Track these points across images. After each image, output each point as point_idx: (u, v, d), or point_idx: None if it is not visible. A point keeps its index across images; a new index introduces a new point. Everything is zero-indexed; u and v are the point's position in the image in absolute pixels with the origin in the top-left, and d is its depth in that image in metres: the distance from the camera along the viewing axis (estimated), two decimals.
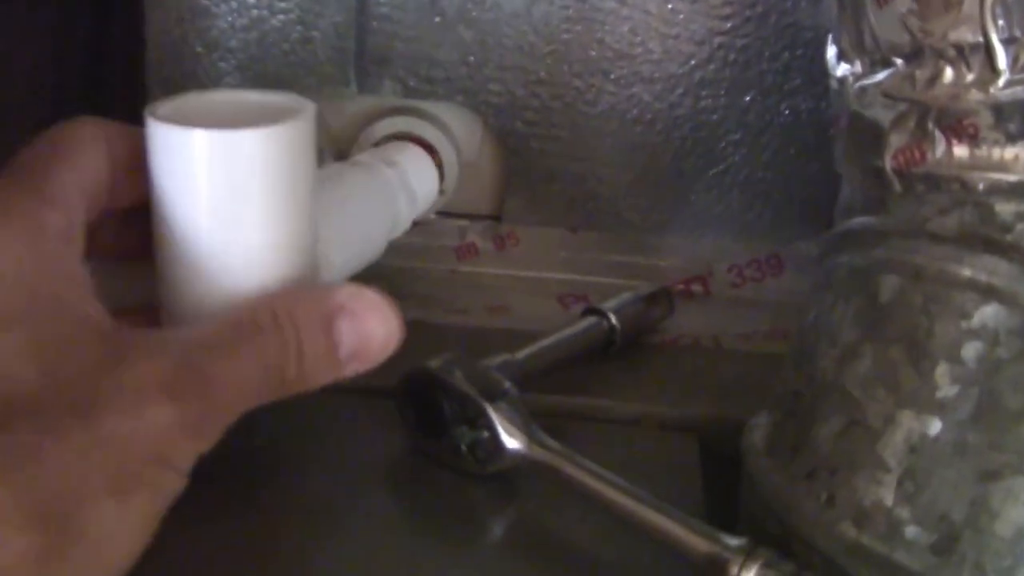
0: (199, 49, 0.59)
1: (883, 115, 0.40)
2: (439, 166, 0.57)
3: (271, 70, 0.60)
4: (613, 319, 0.53)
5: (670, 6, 0.57)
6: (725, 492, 0.46)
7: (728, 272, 0.61)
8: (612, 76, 0.58)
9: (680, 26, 0.57)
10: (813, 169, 0.59)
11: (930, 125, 0.39)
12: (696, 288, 0.60)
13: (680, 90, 0.58)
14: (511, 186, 0.61)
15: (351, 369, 0.36)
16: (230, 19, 0.58)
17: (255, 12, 0.58)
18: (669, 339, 0.56)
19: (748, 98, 0.58)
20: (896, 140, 0.40)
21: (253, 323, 0.33)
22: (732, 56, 0.57)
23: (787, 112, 0.58)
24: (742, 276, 0.60)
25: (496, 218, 0.63)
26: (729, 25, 0.57)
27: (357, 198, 0.47)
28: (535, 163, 0.61)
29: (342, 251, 0.43)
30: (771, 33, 0.57)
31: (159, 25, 0.59)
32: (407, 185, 0.51)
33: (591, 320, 0.53)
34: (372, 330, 0.35)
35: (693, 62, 0.58)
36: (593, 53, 0.58)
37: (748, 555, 0.39)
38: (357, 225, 0.46)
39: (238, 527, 0.42)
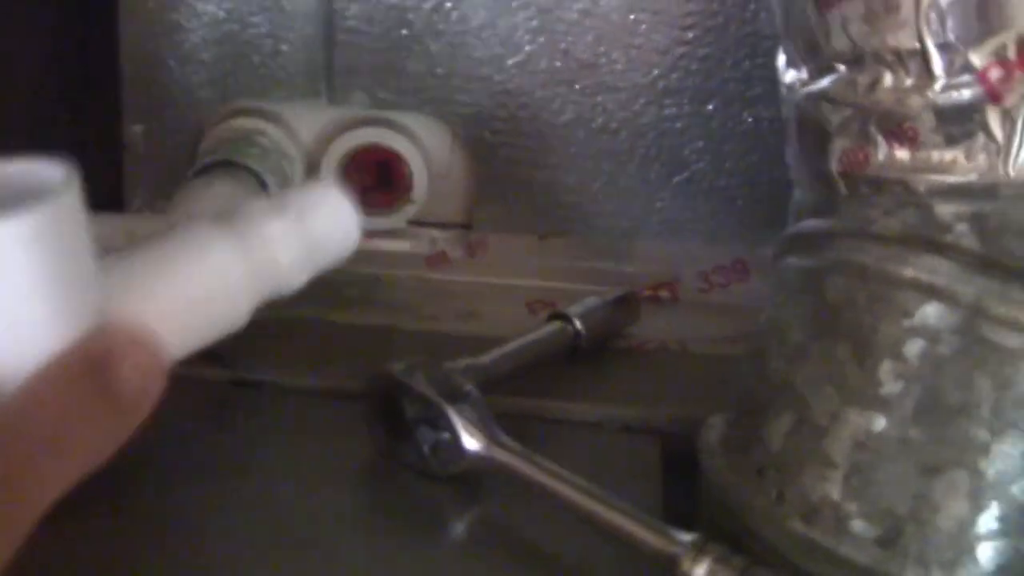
0: (172, 62, 0.60)
1: (828, 120, 0.41)
2: (408, 176, 0.59)
3: (242, 82, 0.61)
4: (578, 324, 0.54)
5: (632, 17, 0.58)
6: (686, 493, 0.47)
7: (695, 278, 0.62)
8: (577, 86, 0.60)
9: (643, 36, 0.58)
10: (776, 175, 0.59)
11: (872, 129, 0.40)
12: (663, 294, 0.61)
13: (644, 99, 0.59)
14: (480, 195, 0.63)
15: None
16: (202, 33, 0.60)
17: (226, 27, 0.60)
18: (636, 344, 0.57)
19: (711, 106, 0.60)
20: (840, 144, 0.41)
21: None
22: (694, 66, 0.59)
23: (749, 120, 0.59)
24: (709, 282, 0.61)
25: (466, 226, 0.64)
26: (691, 35, 0.58)
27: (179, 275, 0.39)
28: (504, 172, 0.62)
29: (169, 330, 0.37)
30: (731, 43, 0.58)
31: (133, 39, 0.60)
32: (252, 256, 0.45)
33: (556, 325, 0.54)
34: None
35: (656, 72, 0.59)
36: (558, 64, 0.59)
37: (699, 550, 0.39)
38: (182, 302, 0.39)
39: (207, 526, 0.43)
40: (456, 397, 0.45)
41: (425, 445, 0.46)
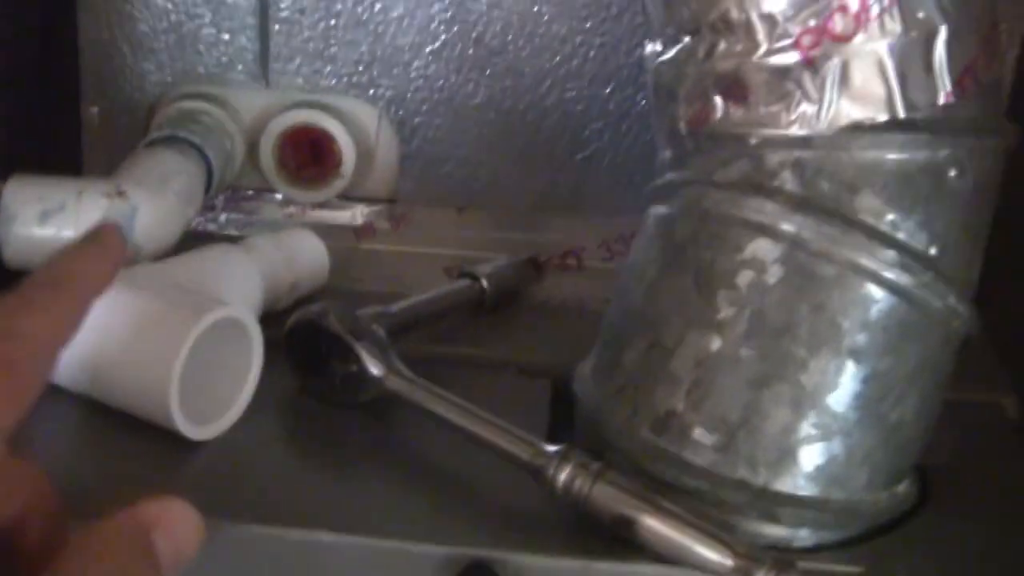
0: (125, 50, 0.66)
1: (676, 84, 0.47)
2: (337, 154, 0.65)
3: (190, 69, 0.67)
4: (484, 281, 0.60)
5: (536, 8, 0.64)
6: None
7: (599, 248, 0.67)
8: (487, 71, 0.66)
9: (545, 26, 0.64)
10: None
11: (711, 91, 0.46)
12: (570, 261, 0.67)
13: (548, 83, 0.65)
14: (404, 171, 0.69)
15: None
16: (151, 23, 0.66)
17: (173, 17, 0.66)
18: (539, 302, 0.63)
19: (608, 90, 0.66)
20: (686, 105, 0.47)
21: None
22: (592, 52, 0.65)
23: (643, 102, 0.65)
24: (611, 251, 0.66)
25: (392, 201, 0.70)
26: (588, 25, 0.64)
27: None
28: (425, 150, 0.68)
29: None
30: (625, 31, 0.64)
31: (90, 28, 0.66)
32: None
33: (464, 281, 0.60)
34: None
35: (558, 58, 0.65)
36: (470, 51, 0.66)
37: (563, 459, 0.45)
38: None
39: (141, 454, 0.48)
40: (362, 335, 0.51)
41: (336, 377, 0.51)
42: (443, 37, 0.66)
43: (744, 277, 0.44)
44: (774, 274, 0.44)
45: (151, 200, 0.56)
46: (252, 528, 0.45)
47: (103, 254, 0.38)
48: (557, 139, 0.67)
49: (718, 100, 0.45)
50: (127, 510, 0.32)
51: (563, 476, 0.44)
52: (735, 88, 0.45)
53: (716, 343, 0.45)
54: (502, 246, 0.66)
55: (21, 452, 0.33)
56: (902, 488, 0.47)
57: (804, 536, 0.45)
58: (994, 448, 0.54)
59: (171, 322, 0.47)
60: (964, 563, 0.45)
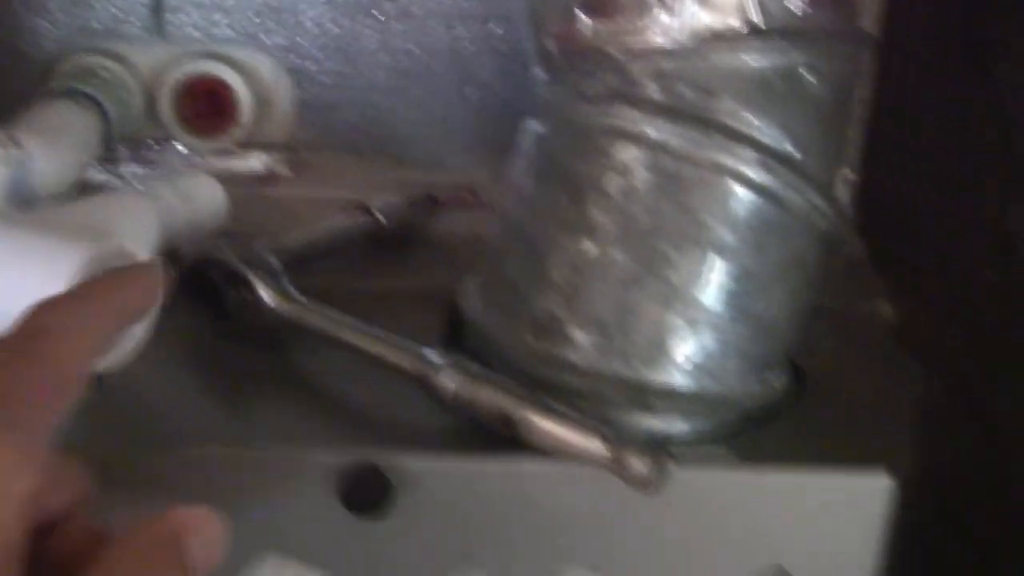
0: (18, 7, 0.67)
1: (543, 5, 0.49)
2: (235, 103, 0.66)
3: (85, 24, 0.68)
4: (379, 216, 0.62)
5: None
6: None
7: (496, 183, 0.69)
8: (380, 17, 0.67)
9: None
10: None
11: (575, 9, 0.48)
12: (467, 197, 0.69)
13: (438, 24, 0.67)
14: (303, 118, 0.70)
15: None
16: None
17: None
18: (434, 236, 0.65)
19: (501, 30, 0.67)
20: (553, 24, 0.49)
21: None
22: None
23: None
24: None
25: (292, 147, 0.71)
26: None
27: None
28: (322, 96, 0.69)
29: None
30: None
31: None
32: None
33: (359, 216, 0.62)
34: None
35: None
36: None
37: (448, 366, 0.47)
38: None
39: None
40: (256, 264, 0.53)
41: (232, 307, 0.53)
42: None
43: (613, 183, 0.46)
44: (641, 178, 0.46)
45: (46, 149, 0.57)
46: (150, 453, 0.46)
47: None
48: (449, 82, 0.69)
49: (582, 16, 0.47)
50: (158, 517, 0.33)
51: (448, 381, 0.46)
52: (597, 3, 0.47)
53: (589, 247, 0.47)
54: (400, 187, 0.68)
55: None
56: (776, 381, 0.50)
57: (680, 427, 0.48)
58: (868, 350, 0.56)
59: (55, 253, 0.48)
60: (834, 450, 0.48)
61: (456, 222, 0.66)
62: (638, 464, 0.43)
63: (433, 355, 0.47)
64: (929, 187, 0.63)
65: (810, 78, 0.46)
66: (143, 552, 0.33)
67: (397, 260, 0.62)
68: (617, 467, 0.43)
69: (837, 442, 0.48)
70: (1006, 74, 0.57)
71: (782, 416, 0.50)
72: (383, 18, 0.67)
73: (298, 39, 0.68)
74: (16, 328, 0.33)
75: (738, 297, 0.46)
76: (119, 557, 0.33)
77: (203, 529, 0.34)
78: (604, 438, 0.44)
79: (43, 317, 0.33)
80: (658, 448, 0.43)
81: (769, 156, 0.45)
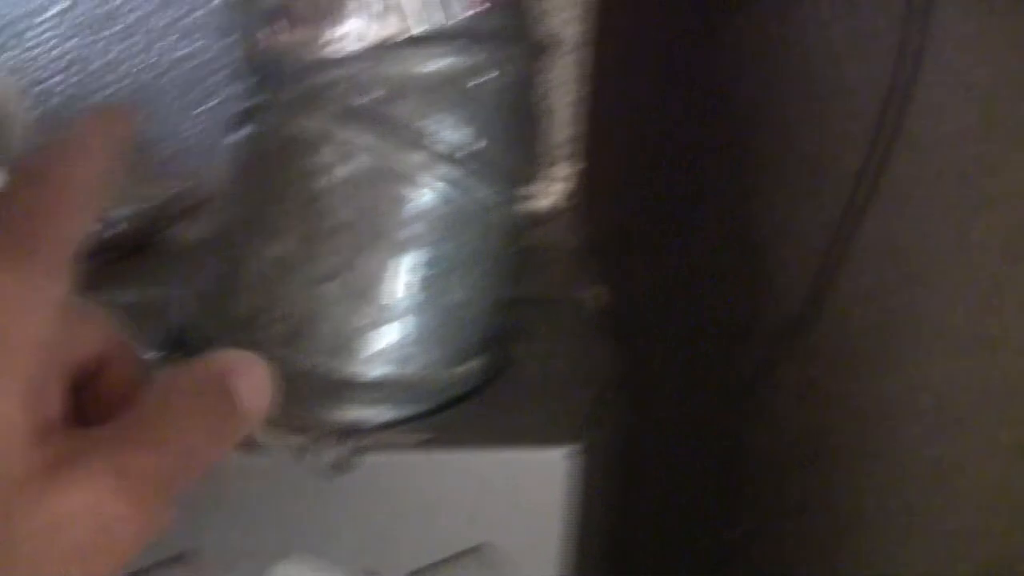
0: None
1: (244, 19, 0.51)
2: None
3: None
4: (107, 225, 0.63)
5: None
6: None
7: None
8: (105, 34, 0.69)
9: None
10: None
11: (263, 22, 0.49)
12: (202, 207, 0.70)
13: (160, 42, 0.69)
14: (43, 135, 0.71)
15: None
16: None
17: None
18: (170, 245, 0.66)
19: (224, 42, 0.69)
20: (253, 35, 0.51)
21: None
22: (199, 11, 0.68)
23: None
24: None
25: None
26: None
27: None
28: (60, 113, 0.70)
29: None
30: None
31: None
32: None
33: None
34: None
35: (167, 18, 0.68)
36: (98, 11, 0.68)
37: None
38: None
39: None
40: None
41: None
42: (62, 4, 0.68)
43: (302, 186, 0.49)
44: (327, 180, 0.48)
45: None
46: None
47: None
48: (177, 94, 0.70)
49: (270, 29, 0.49)
50: (204, 357, 0.34)
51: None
52: (281, 17, 0.49)
53: (279, 248, 0.49)
54: (144, 198, 0.69)
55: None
56: (475, 363, 0.52)
57: (381, 414, 0.50)
58: (577, 335, 0.59)
59: None
60: (530, 426, 0.51)
61: (192, 230, 0.67)
62: (325, 453, 0.46)
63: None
64: (642, 178, 0.67)
65: (481, 78, 0.49)
66: (189, 385, 0.33)
67: (126, 270, 0.63)
68: (305, 456, 0.46)
69: (531, 420, 0.51)
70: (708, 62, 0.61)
71: (483, 398, 0.52)
72: (109, 36, 0.69)
73: (27, 57, 0.69)
74: (22, 165, 0.33)
75: (424, 289, 0.49)
76: (165, 387, 0.33)
77: (250, 371, 0.34)
78: (292, 430, 0.46)
79: (46, 152, 0.33)
80: (344, 434, 0.46)
81: (446, 155, 0.48)
